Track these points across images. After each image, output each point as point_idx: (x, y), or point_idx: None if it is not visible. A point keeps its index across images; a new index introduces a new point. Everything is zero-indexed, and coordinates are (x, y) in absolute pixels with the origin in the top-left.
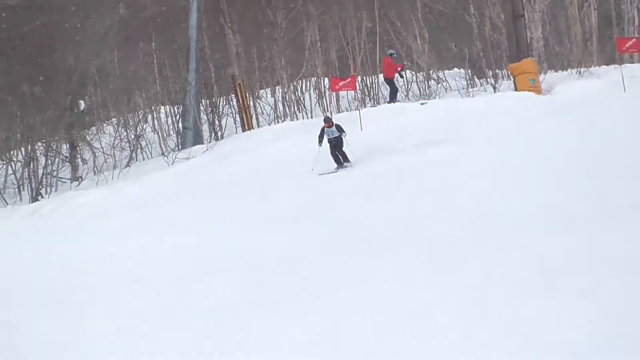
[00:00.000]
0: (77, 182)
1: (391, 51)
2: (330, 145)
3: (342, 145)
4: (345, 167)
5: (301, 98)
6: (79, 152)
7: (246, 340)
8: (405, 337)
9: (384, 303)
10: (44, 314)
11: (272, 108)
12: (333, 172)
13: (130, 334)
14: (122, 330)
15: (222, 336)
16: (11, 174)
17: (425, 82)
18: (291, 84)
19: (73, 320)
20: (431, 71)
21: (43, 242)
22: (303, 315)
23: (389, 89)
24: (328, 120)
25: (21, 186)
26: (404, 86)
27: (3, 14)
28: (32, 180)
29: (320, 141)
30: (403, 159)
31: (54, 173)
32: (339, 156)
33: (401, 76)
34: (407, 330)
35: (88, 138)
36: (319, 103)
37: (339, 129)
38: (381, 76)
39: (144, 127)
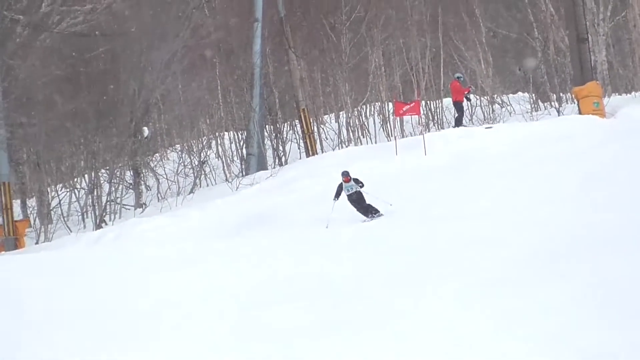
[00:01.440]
0: (140, 209)
1: (458, 74)
2: (351, 201)
3: (364, 200)
4: (375, 218)
5: (365, 123)
6: (142, 178)
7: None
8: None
9: (453, 324)
10: (115, 340)
11: (336, 133)
12: (367, 221)
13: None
14: (197, 356)
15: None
16: (75, 202)
17: (490, 106)
18: (355, 109)
19: (147, 346)
20: (495, 95)
21: (108, 268)
22: (375, 337)
23: (456, 112)
24: (346, 175)
25: (85, 213)
26: (467, 110)
27: (68, 41)
28: (96, 207)
29: (337, 196)
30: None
31: (118, 200)
32: (365, 210)
33: (468, 99)
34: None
35: (152, 165)
36: (383, 128)
37: (357, 182)
38: (445, 100)
39: (208, 153)
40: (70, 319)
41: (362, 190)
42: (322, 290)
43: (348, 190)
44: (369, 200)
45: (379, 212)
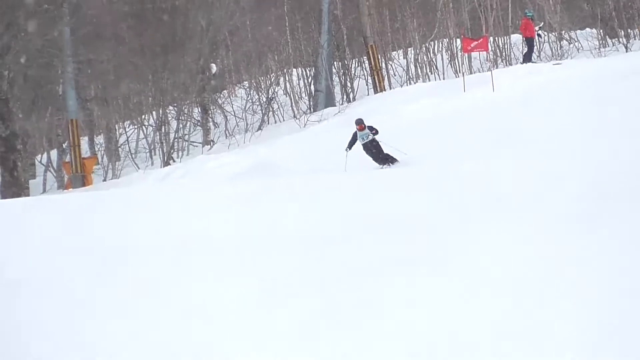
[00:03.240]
0: (208, 146)
1: (528, 12)
2: (366, 151)
3: (381, 149)
4: (392, 166)
5: (433, 59)
6: (210, 115)
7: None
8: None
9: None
10: (189, 276)
11: (404, 69)
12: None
13: (268, 293)
14: (259, 292)
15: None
16: (143, 139)
17: (557, 43)
18: (423, 45)
19: (210, 284)
20: (563, 31)
21: (174, 206)
22: (441, 273)
23: (524, 48)
24: (360, 123)
25: (153, 150)
26: (536, 46)
27: None
28: (164, 144)
29: (350, 147)
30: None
31: (186, 137)
32: (383, 159)
33: (539, 35)
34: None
35: (220, 101)
36: (450, 64)
37: (371, 129)
38: (513, 36)
39: (276, 90)
40: (143, 255)
41: (377, 138)
42: (387, 227)
43: (363, 139)
44: (385, 149)
45: (396, 160)
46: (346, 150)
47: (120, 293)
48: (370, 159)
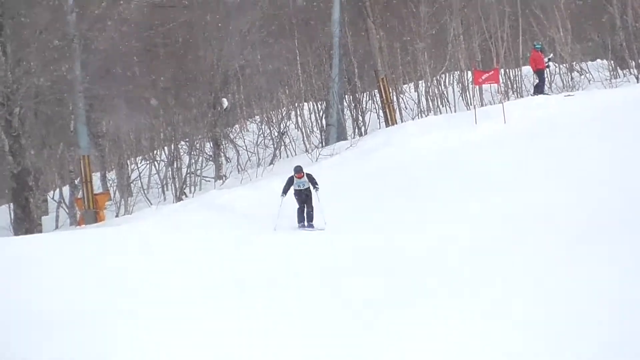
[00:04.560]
0: (221, 181)
1: (537, 44)
2: (297, 199)
3: (311, 200)
4: (311, 229)
5: (444, 92)
6: (222, 150)
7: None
8: None
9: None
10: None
11: (415, 102)
12: (308, 229)
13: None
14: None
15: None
16: (155, 174)
17: (569, 74)
18: (434, 77)
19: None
20: (574, 62)
21: (186, 239)
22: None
23: (537, 80)
24: (299, 171)
25: (165, 186)
26: (547, 78)
27: (148, 13)
28: (176, 179)
29: (285, 192)
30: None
31: (198, 172)
32: (306, 214)
33: (548, 67)
34: None
35: (231, 136)
36: (462, 96)
37: (311, 180)
38: (524, 68)
39: (288, 124)
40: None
41: (314, 191)
42: (400, 264)
43: (299, 186)
44: (315, 206)
45: (314, 226)
46: (281, 196)
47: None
48: (297, 206)
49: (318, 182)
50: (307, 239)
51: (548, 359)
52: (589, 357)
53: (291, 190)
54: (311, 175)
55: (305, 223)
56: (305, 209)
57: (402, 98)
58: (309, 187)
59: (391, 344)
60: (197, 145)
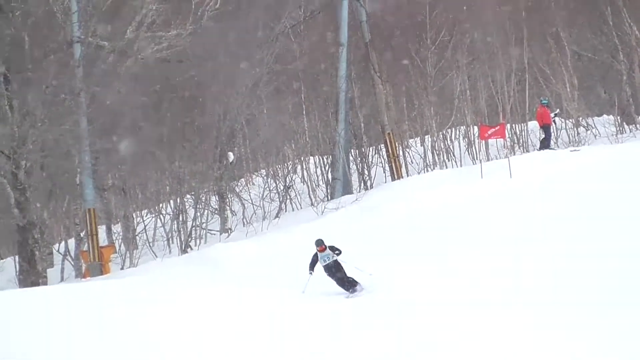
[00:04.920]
0: (226, 234)
1: (544, 99)
2: (329, 276)
3: (343, 270)
4: (356, 293)
5: (450, 146)
6: (228, 203)
7: None
8: None
9: None
10: None
11: (421, 157)
12: (354, 296)
13: None
14: None
15: None
16: (160, 227)
17: (575, 129)
18: (440, 132)
19: None
20: (580, 118)
21: (193, 291)
22: None
23: (543, 135)
24: (320, 244)
25: (170, 239)
26: (553, 133)
27: (153, 67)
28: (182, 232)
29: (312, 267)
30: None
31: (203, 225)
32: (349, 284)
33: (554, 122)
34: None
35: (237, 189)
36: (468, 151)
37: (333, 249)
38: (530, 123)
39: (293, 177)
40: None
41: (339, 258)
42: (408, 317)
43: (325, 260)
44: (349, 271)
45: (358, 284)
46: (309, 273)
47: None
48: (334, 282)
49: (338, 247)
50: (310, 296)
51: None
52: None
53: (321, 268)
54: (333, 245)
55: (350, 291)
56: (343, 280)
57: (408, 152)
58: (336, 259)
59: None
60: (203, 198)
